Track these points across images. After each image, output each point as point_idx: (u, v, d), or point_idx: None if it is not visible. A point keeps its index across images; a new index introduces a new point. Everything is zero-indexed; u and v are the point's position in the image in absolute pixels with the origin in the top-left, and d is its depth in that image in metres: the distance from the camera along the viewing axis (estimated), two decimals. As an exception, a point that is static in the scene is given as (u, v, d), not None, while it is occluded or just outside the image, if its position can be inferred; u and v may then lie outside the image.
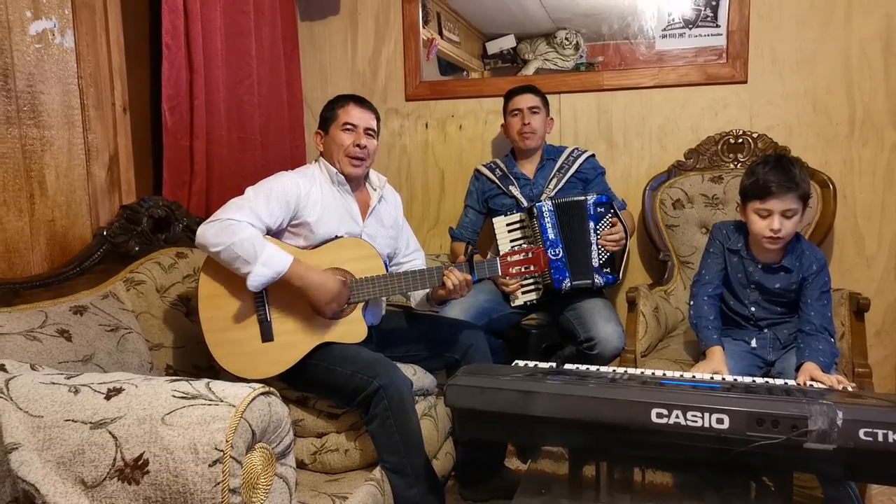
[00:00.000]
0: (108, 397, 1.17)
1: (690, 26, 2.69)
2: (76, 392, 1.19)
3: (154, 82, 2.15)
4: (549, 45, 2.85)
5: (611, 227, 2.34)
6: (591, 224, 2.32)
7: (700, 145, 2.67)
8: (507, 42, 2.90)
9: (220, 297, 1.80)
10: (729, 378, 1.57)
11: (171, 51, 2.10)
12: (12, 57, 1.63)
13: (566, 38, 2.82)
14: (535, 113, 2.52)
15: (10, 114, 1.63)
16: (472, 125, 2.98)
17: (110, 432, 1.13)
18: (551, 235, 2.31)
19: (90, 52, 1.86)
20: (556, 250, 2.30)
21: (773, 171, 1.81)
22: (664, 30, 2.72)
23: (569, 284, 2.30)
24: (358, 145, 1.96)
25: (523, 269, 1.93)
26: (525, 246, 2.31)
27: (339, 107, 2.01)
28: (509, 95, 2.58)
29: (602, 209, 2.34)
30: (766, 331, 1.96)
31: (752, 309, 1.96)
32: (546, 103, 2.58)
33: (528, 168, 2.60)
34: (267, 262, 1.73)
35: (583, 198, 2.35)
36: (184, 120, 2.17)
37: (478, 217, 2.68)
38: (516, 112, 2.54)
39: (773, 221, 1.81)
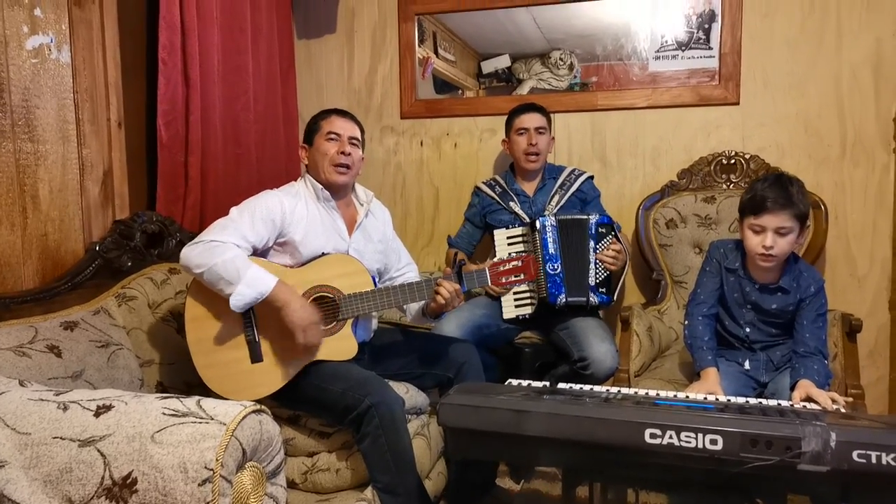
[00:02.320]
0: (97, 414, 1.16)
1: (683, 48, 2.72)
2: (65, 409, 1.18)
3: (150, 97, 2.16)
4: (544, 65, 2.88)
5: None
6: (591, 243, 2.33)
7: (693, 166, 2.69)
8: (502, 62, 2.93)
9: (206, 320, 1.79)
10: (723, 398, 1.57)
11: (168, 66, 2.11)
12: (8, 71, 1.63)
13: (561, 59, 2.85)
14: (541, 133, 2.51)
15: (5, 128, 1.63)
16: (466, 143, 3.00)
17: (99, 450, 1.11)
18: (552, 250, 2.32)
19: (86, 67, 1.86)
20: (555, 265, 2.31)
21: (771, 187, 1.81)
22: (657, 51, 2.75)
23: (564, 300, 2.30)
24: (342, 153, 1.96)
25: (513, 278, 1.91)
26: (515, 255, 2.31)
27: (323, 119, 2.03)
28: (515, 113, 2.56)
29: (604, 230, 2.35)
30: (759, 353, 1.96)
31: (748, 330, 1.96)
32: (550, 123, 2.58)
33: (528, 186, 2.59)
34: (250, 283, 1.71)
35: (585, 216, 2.36)
36: (179, 135, 2.18)
37: (475, 230, 2.68)
38: (523, 131, 2.51)
39: (765, 238, 1.80)
